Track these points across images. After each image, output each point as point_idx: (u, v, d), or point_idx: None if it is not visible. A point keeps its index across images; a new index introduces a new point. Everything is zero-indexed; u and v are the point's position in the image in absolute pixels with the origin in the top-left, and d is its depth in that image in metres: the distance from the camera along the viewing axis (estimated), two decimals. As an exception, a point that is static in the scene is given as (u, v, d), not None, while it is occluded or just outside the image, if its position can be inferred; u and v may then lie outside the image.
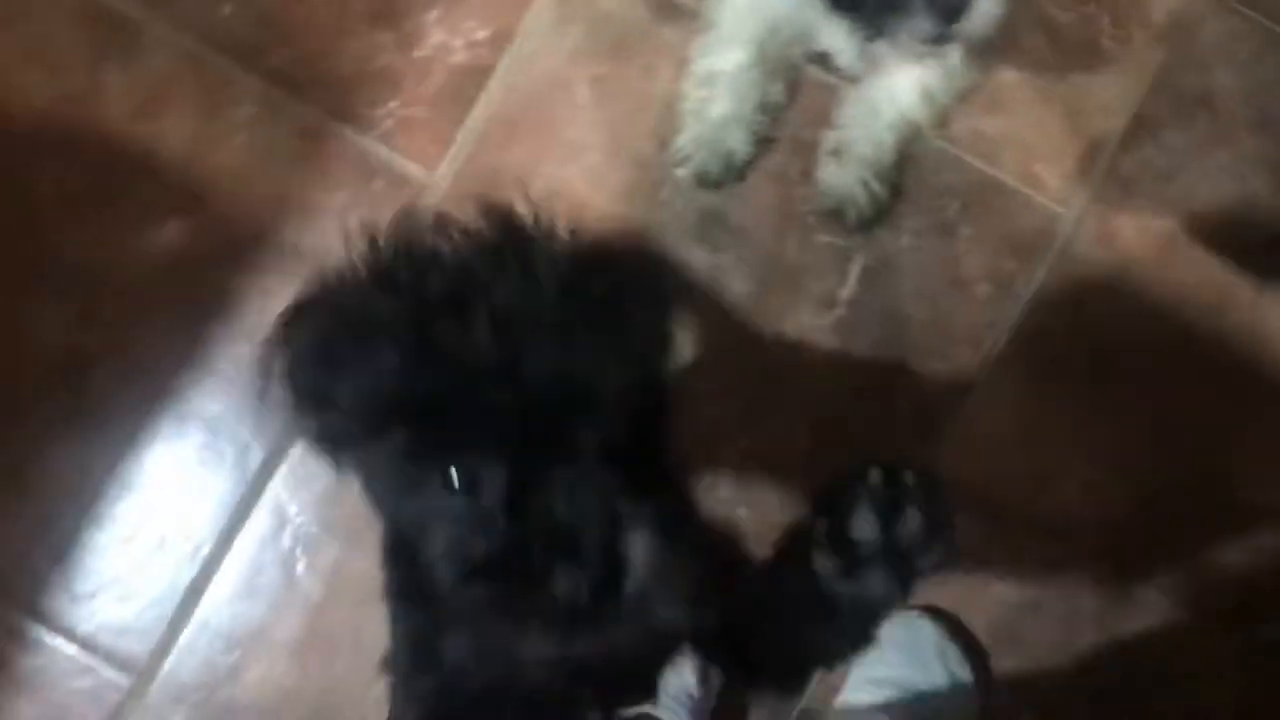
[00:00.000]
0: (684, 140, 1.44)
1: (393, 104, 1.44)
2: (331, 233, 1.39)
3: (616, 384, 0.65)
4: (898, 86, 1.40)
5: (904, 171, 1.45)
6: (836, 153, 1.43)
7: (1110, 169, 1.47)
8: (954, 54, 1.36)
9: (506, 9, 1.46)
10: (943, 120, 1.45)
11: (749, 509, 1.41)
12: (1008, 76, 1.48)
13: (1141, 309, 1.46)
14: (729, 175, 1.44)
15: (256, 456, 1.43)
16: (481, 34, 1.47)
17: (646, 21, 1.47)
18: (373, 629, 1.38)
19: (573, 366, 0.63)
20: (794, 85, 1.46)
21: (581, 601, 0.62)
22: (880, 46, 1.32)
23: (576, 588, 0.62)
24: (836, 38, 1.34)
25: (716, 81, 1.41)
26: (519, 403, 0.63)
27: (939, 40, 1.04)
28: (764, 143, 1.45)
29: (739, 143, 1.43)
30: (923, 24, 1.03)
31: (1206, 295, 1.46)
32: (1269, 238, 1.46)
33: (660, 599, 0.63)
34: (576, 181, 1.46)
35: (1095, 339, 1.46)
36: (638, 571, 0.62)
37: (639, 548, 0.62)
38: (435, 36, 1.46)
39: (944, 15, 1.03)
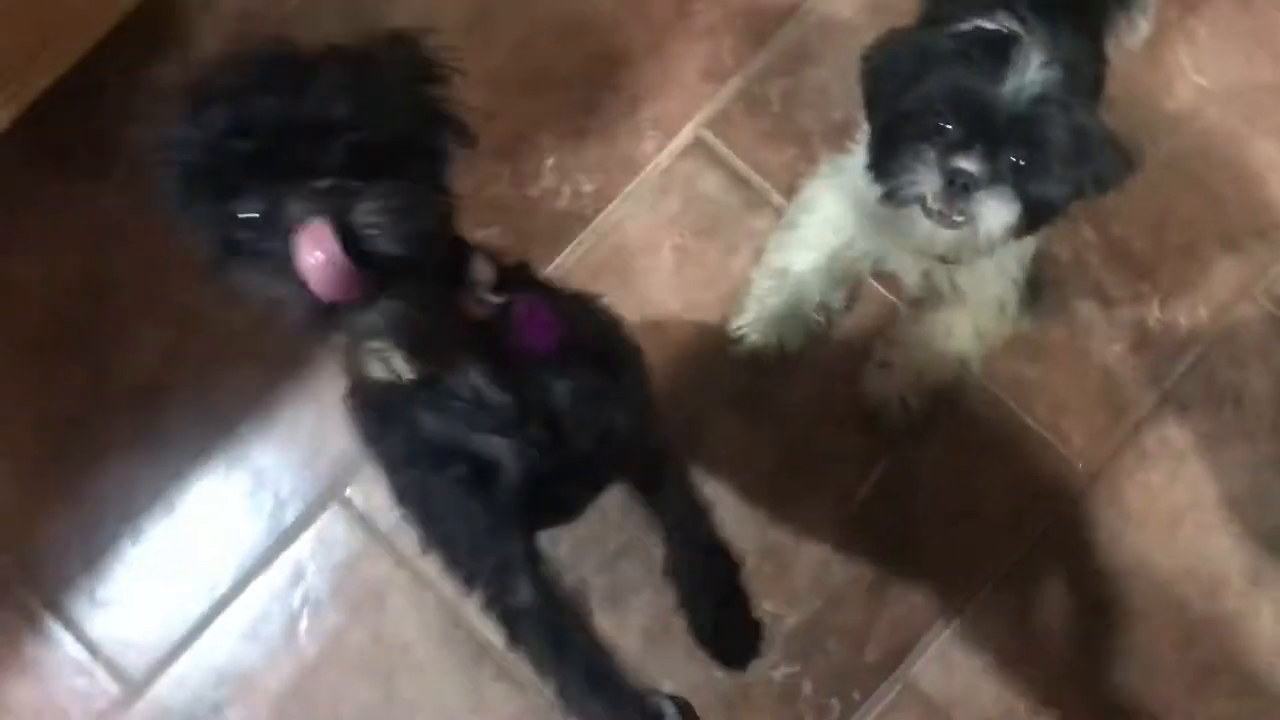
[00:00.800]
0: (743, 321, 1.55)
1: (495, 229, 1.58)
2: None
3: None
4: (954, 319, 1.51)
5: (941, 397, 1.55)
6: (884, 364, 1.54)
7: (1133, 438, 1.56)
8: (1011, 303, 1.49)
9: (616, 170, 1.62)
10: (988, 358, 1.55)
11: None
12: (1056, 334, 1.58)
13: (1136, 575, 1.52)
14: (777, 356, 1.55)
15: (291, 514, 1.53)
16: (589, 187, 1.61)
17: (738, 208, 1.61)
18: (353, 703, 1.48)
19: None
20: (856, 292, 1.58)
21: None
22: (942, 280, 1.46)
23: None
24: (904, 262, 1.47)
25: (784, 276, 1.53)
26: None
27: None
28: (818, 339, 1.56)
29: (792, 334, 1.54)
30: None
31: (1200, 577, 1.52)
32: (1271, 537, 1.53)
33: None
34: (640, 332, 1.57)
35: (1087, 593, 1.52)
36: None
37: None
38: (547, 180, 1.61)
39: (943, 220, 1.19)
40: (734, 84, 1.65)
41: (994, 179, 1.19)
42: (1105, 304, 1.59)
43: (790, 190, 1.59)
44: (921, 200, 1.22)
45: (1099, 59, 1.40)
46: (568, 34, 1.66)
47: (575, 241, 1.60)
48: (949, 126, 1.18)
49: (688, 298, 1.59)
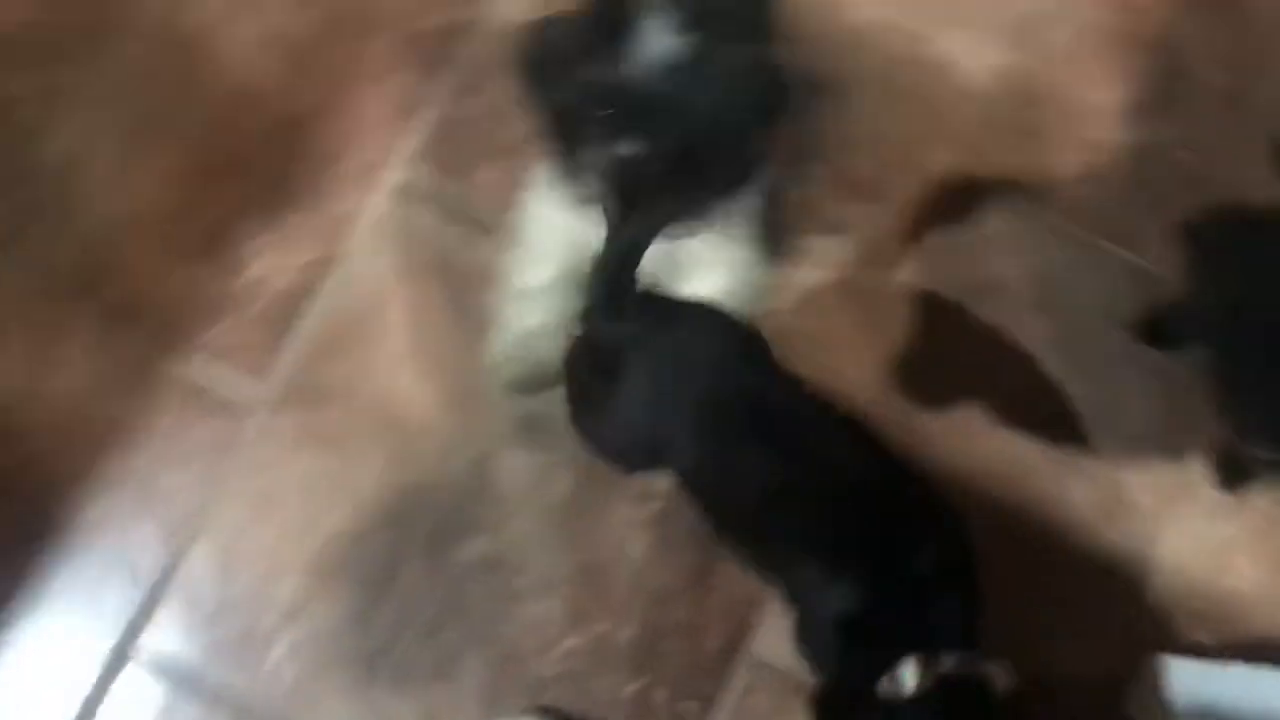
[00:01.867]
0: (498, 352, 1.50)
1: (218, 329, 1.50)
2: (159, 458, 1.45)
3: None
4: (714, 286, 1.48)
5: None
6: None
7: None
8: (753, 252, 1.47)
9: (326, 236, 1.55)
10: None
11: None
12: (813, 277, 1.57)
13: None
14: (544, 383, 1.50)
15: (85, 684, 1.43)
16: (305, 259, 1.54)
17: (464, 240, 1.56)
18: None
19: None
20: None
21: None
22: (687, 249, 1.44)
23: None
24: None
25: (527, 296, 1.49)
26: None
27: None
28: None
29: (551, 352, 1.49)
30: None
31: (1009, 468, 1.53)
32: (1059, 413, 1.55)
33: None
34: (402, 392, 1.52)
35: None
36: None
37: None
38: (258, 264, 1.54)
39: None
40: (427, 114, 1.59)
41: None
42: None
43: (513, 207, 1.54)
44: None
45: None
46: (241, 110, 1.58)
47: (306, 318, 1.53)
48: (606, 113, 1.15)
49: (436, 347, 1.53)
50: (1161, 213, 1.61)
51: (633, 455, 1.31)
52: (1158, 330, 1.56)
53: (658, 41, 1.12)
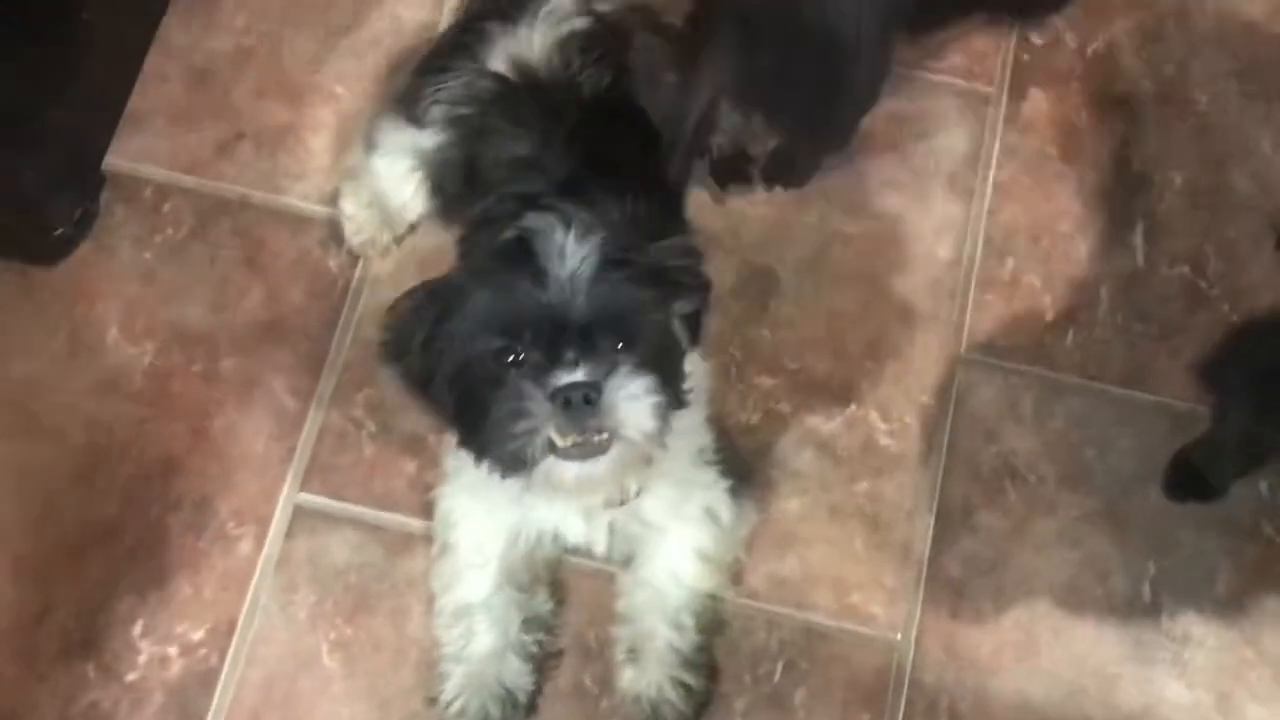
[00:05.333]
0: (451, 687, 1.23)
1: (104, 747, 1.21)
2: None
3: None
4: (673, 558, 1.24)
5: (712, 648, 1.25)
6: (633, 652, 1.24)
7: (932, 574, 1.30)
8: (721, 507, 1.23)
9: (221, 596, 1.28)
10: (734, 578, 1.27)
11: None
12: (790, 506, 1.32)
13: (1015, 713, 1.25)
14: (515, 713, 1.23)
15: None
16: (199, 633, 1.27)
17: (383, 560, 1.30)
18: None
19: None
20: (561, 585, 1.28)
21: None
22: (633, 524, 1.19)
23: None
24: (578, 527, 1.21)
25: (470, 613, 1.23)
26: None
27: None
28: (546, 661, 1.25)
29: (515, 674, 1.23)
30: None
31: (1088, 684, 1.26)
32: (1130, 594, 1.29)
33: None
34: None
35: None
36: None
37: None
38: (144, 652, 1.26)
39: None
40: (309, 427, 1.35)
41: (608, 370, 0.97)
42: (823, 447, 1.34)
43: (430, 508, 1.29)
44: (548, 445, 0.98)
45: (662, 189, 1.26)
46: (86, 479, 1.32)
47: (212, 701, 1.24)
48: (523, 353, 0.98)
49: (377, 693, 1.25)
50: (1168, 339, 1.40)
51: None
52: (1193, 480, 1.32)
53: (570, 255, 0.99)
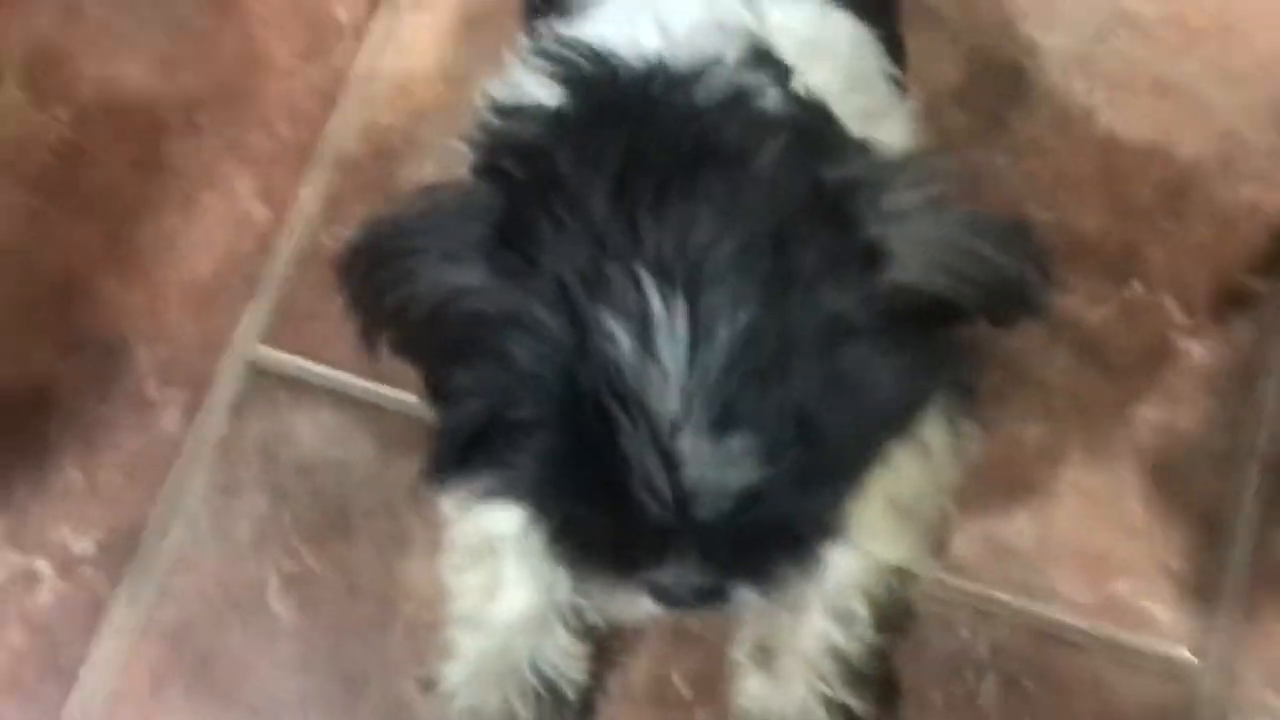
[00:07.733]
0: (460, 667, 0.82)
1: None
2: None
3: None
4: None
5: (893, 650, 0.83)
6: (764, 651, 0.83)
7: (1258, 562, 0.84)
8: (928, 425, 0.76)
9: (124, 493, 0.88)
10: (937, 545, 0.82)
11: None
12: (1027, 436, 0.87)
13: None
14: (556, 716, 0.80)
15: None
16: (81, 544, 0.87)
17: (373, 459, 0.90)
18: None
19: None
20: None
21: None
22: None
23: None
24: None
25: (497, 551, 0.80)
26: None
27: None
28: (611, 641, 0.84)
29: (560, 655, 0.82)
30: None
31: None
32: None
33: None
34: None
35: None
36: None
37: None
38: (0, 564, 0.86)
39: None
40: (283, 251, 0.94)
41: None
42: (1085, 348, 0.89)
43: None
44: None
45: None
46: None
47: (89, 650, 0.84)
48: None
49: (344, 663, 0.85)
50: None
51: None
52: None
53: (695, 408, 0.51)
